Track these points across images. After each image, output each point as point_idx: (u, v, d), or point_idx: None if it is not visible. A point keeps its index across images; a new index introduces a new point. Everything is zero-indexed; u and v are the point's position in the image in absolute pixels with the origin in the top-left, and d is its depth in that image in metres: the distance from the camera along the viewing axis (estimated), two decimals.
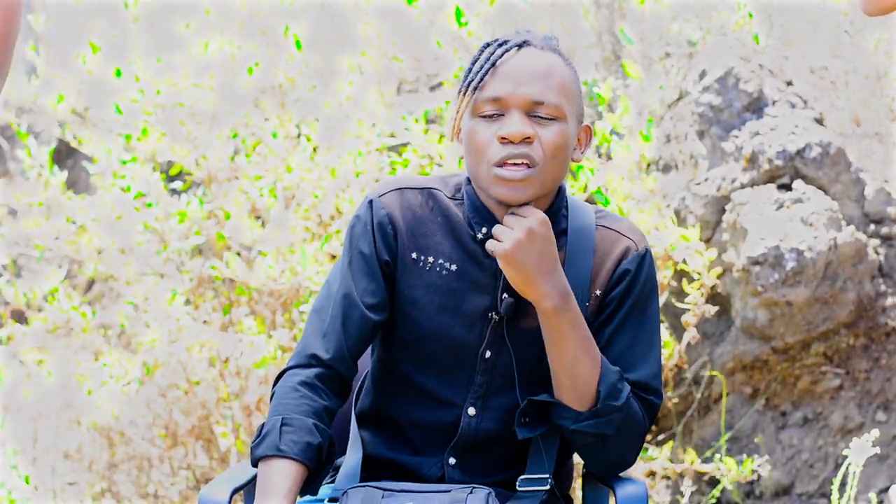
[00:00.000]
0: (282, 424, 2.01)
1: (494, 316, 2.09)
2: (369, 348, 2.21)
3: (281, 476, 1.97)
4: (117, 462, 4.27)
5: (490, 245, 2.02)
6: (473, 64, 2.06)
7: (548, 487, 2.08)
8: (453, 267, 2.10)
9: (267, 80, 3.97)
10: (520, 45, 2.05)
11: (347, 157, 3.62)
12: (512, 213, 2.03)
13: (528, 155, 2.01)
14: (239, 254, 3.98)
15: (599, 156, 3.83)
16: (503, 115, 2.03)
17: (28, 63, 5.48)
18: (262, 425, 2.03)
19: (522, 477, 2.09)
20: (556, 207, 2.12)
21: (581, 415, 2.04)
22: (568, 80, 2.06)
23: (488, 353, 2.10)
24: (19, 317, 4.21)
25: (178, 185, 4.12)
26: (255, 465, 2.03)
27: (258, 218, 4.00)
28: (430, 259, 2.11)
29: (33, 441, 4.59)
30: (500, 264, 2.02)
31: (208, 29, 4.03)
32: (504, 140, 2.01)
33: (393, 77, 4.20)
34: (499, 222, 2.08)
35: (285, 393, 2.06)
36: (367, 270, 2.11)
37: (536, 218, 2.01)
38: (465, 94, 2.05)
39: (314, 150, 3.77)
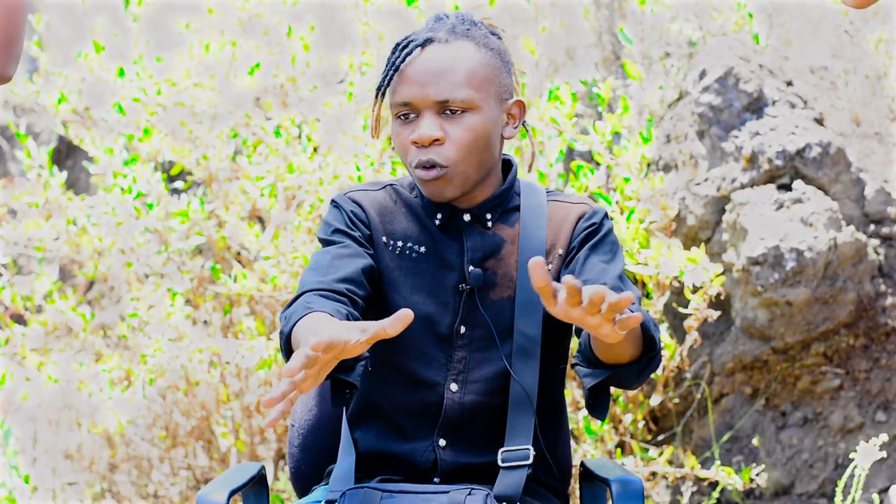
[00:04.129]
0: (305, 304, 1.97)
1: (464, 287, 2.13)
2: None
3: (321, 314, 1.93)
4: (117, 462, 4.28)
5: (621, 325, 1.75)
6: (387, 64, 2.10)
7: (530, 461, 2.09)
8: (422, 249, 2.16)
9: (268, 80, 3.97)
10: (423, 44, 2.09)
11: (349, 158, 3.61)
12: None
13: (434, 160, 2.06)
14: (239, 254, 3.98)
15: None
16: (418, 115, 2.08)
17: (29, 62, 5.48)
18: (282, 326, 1.98)
19: (503, 450, 2.11)
20: (506, 187, 2.17)
21: (639, 364, 2.01)
22: (477, 68, 2.09)
23: (463, 329, 2.14)
24: (19, 318, 4.21)
25: (179, 184, 4.12)
26: (285, 348, 1.97)
27: (259, 219, 4.00)
28: (400, 243, 2.16)
29: (33, 441, 4.60)
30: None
31: (209, 28, 4.03)
32: (416, 143, 2.07)
33: None
34: (456, 206, 2.13)
35: (300, 301, 2.01)
36: (350, 235, 2.14)
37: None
38: (375, 97, 2.12)
39: (315, 150, 3.77)
